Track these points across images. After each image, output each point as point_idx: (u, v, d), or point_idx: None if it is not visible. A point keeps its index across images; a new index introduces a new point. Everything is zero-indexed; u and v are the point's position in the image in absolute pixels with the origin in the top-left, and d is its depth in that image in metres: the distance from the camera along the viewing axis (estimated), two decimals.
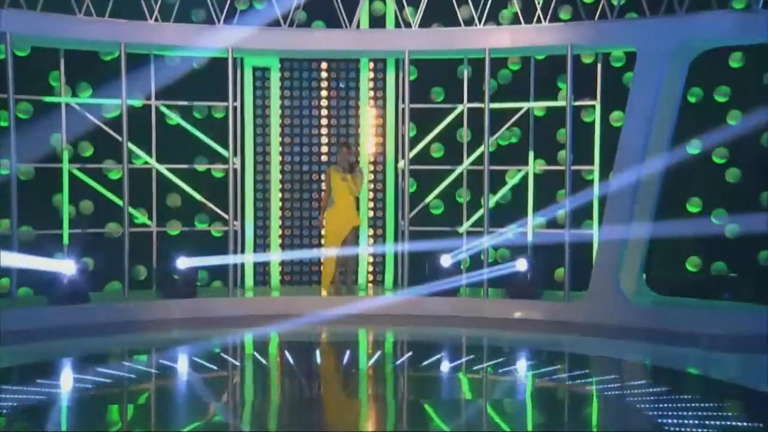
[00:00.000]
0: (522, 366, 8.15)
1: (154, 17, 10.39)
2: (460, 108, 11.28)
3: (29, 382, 7.07)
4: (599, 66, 10.67)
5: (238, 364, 8.28)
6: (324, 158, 11.74)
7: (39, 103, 10.54)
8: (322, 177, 11.39)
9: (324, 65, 11.71)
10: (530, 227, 11.02)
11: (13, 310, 9.57)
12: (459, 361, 8.30)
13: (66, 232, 10.63)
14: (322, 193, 11.10)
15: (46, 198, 10.69)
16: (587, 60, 10.91)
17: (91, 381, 7.20)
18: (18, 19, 9.65)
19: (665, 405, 6.36)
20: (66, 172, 10.65)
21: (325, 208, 10.57)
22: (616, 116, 10.76)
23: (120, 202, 10.53)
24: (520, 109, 11.03)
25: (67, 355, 8.33)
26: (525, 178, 11.19)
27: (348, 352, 8.69)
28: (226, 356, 8.45)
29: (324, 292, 10.80)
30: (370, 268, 11.80)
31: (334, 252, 10.49)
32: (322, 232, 10.93)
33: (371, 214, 11.78)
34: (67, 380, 7.50)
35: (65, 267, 9.90)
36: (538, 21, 10.48)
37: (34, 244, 10.25)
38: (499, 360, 8.29)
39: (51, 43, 10.27)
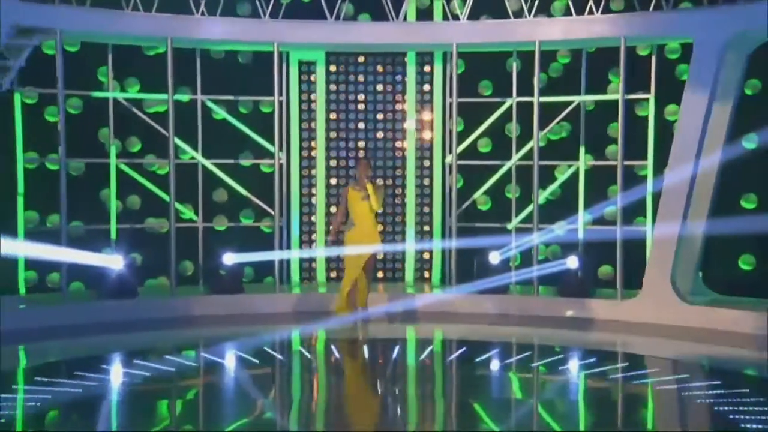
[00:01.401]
0: (575, 366, 8.10)
1: (200, 11, 10.53)
2: (509, 102, 11.27)
3: (77, 377, 7.19)
4: (654, 58, 10.57)
5: (286, 360, 8.36)
6: (371, 152, 11.79)
7: (88, 98, 10.75)
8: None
9: (370, 59, 11.73)
10: (581, 224, 10.96)
11: (63, 306, 9.79)
12: (514, 360, 8.27)
13: (114, 227, 10.83)
14: (336, 208, 10.50)
15: (94, 193, 10.89)
16: (641, 52, 10.81)
17: (143, 376, 7.34)
18: (68, 15, 9.85)
19: (733, 407, 6.28)
20: (114, 167, 10.84)
21: (338, 230, 9.80)
22: (670, 110, 10.65)
23: (166, 198, 10.69)
24: (570, 102, 10.99)
25: (117, 350, 8.48)
26: (575, 173, 11.14)
27: (396, 351, 8.72)
28: (275, 352, 8.55)
29: (338, 311, 9.76)
30: (418, 265, 11.84)
31: (353, 279, 9.59)
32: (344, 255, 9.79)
33: (418, 209, 11.81)
34: (115, 376, 7.62)
35: (114, 262, 10.09)
36: (590, 12, 10.41)
37: (83, 239, 10.44)
38: (552, 359, 8.25)
39: (100, 38, 10.46)
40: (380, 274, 11.77)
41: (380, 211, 9.80)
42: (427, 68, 11.76)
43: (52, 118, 10.41)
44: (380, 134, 11.84)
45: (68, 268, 9.96)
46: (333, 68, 11.74)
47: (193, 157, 11.19)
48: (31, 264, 10.35)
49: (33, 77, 10.21)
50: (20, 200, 10.35)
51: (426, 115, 11.81)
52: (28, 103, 10.47)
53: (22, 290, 10.37)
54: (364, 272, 9.57)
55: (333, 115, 11.80)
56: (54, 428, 6.07)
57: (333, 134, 11.81)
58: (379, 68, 11.81)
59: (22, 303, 9.93)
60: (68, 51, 10.31)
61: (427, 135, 11.84)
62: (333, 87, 11.78)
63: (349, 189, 9.63)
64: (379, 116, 11.86)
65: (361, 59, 11.78)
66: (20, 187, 10.36)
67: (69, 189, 9.99)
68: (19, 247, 10.06)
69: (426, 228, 11.86)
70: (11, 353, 8.24)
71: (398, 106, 11.84)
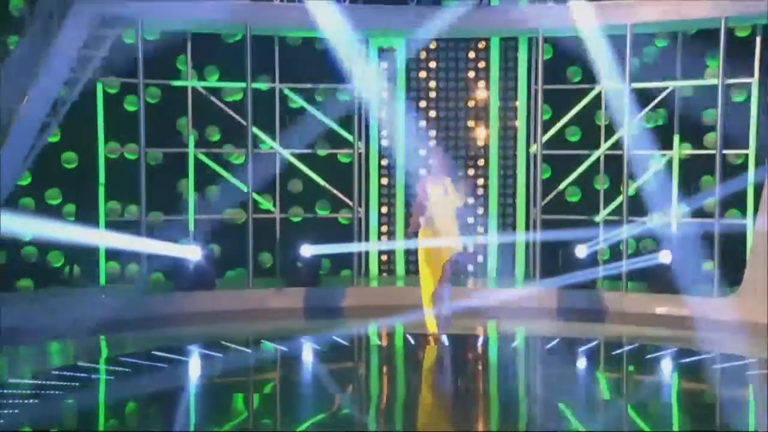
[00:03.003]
0: (668, 367, 7.85)
1: None
2: (598, 88, 10.98)
3: (155, 369, 7.31)
4: (758, 39, 10.14)
5: (364, 357, 8.33)
6: (451, 142, 11.67)
7: (167, 87, 10.91)
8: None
9: (452, 45, 11.59)
10: (675, 216, 10.63)
11: (142, 297, 9.96)
12: (600, 359, 8.07)
13: (192, 217, 10.98)
14: (414, 204, 8.63)
15: (172, 183, 11.05)
16: (742, 33, 10.39)
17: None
18: (148, 5, 9.99)
19: None
20: (192, 157, 10.98)
21: (417, 224, 8.45)
22: None
23: (244, 188, 10.76)
24: (665, 88, 10.64)
25: (196, 341, 8.53)
26: (669, 163, 10.79)
27: (476, 348, 8.60)
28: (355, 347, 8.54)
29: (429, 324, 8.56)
30: (501, 258, 11.64)
31: (431, 287, 8.36)
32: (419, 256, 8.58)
33: (501, 201, 11.65)
34: (193, 369, 7.71)
35: (192, 253, 10.21)
36: None
37: (161, 230, 10.59)
38: (644, 358, 8.02)
39: (178, 26, 10.59)
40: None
41: (461, 206, 8.53)
42: (511, 54, 11.55)
43: (132, 108, 10.61)
44: (462, 123, 11.69)
45: (147, 258, 10.13)
46: (413, 55, 11.63)
47: (271, 147, 11.25)
48: (113, 255, 10.53)
49: (114, 67, 10.39)
50: (101, 190, 10.60)
51: (510, 103, 11.62)
52: (109, 93, 10.69)
53: (103, 281, 10.60)
54: (440, 279, 8.32)
55: (414, 103, 11.70)
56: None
57: (414, 123, 11.70)
58: (461, 54, 11.65)
59: (102, 293, 10.15)
60: (148, 40, 10.45)
61: (511, 124, 11.63)
62: (413, 74, 11.68)
63: (426, 183, 8.44)
64: (461, 104, 11.71)
65: (442, 45, 11.64)
66: (101, 177, 10.60)
67: (147, 179, 10.15)
68: (101, 238, 10.28)
69: (509, 220, 11.67)
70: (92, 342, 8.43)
71: (481, 94, 11.66)
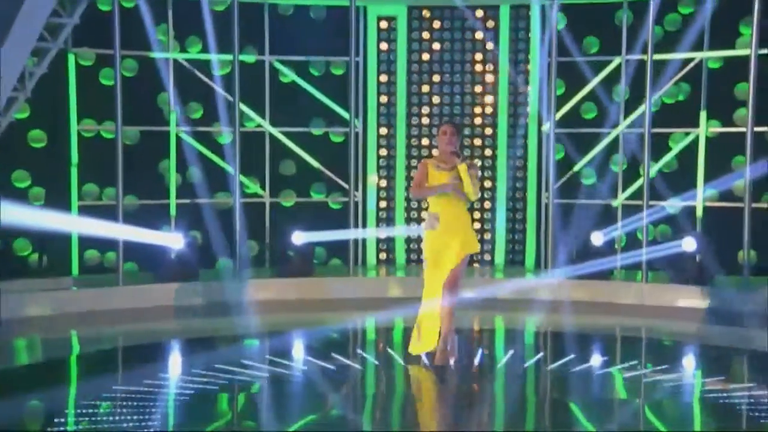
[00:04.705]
0: (691, 366, 7.34)
1: None
2: (617, 60, 10.61)
3: (132, 368, 6.95)
4: None
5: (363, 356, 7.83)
6: (457, 119, 11.19)
7: (146, 59, 10.37)
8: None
9: (458, 13, 11.11)
10: (700, 200, 10.29)
11: (118, 288, 9.50)
12: (616, 360, 7.55)
13: (173, 202, 10.50)
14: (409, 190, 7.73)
15: (151, 164, 10.57)
16: None
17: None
18: None
19: None
20: (173, 136, 10.49)
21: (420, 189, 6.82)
22: None
23: (230, 170, 10.31)
24: (691, 60, 10.25)
25: (176, 337, 8.12)
26: (695, 142, 10.41)
27: (484, 344, 8.07)
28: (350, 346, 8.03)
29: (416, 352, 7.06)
30: (509, 247, 11.25)
31: (435, 299, 6.78)
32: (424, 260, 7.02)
33: (510, 184, 11.21)
34: (173, 368, 7.23)
35: (173, 241, 9.77)
36: None
37: (139, 215, 10.12)
38: (661, 359, 7.50)
39: None
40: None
41: (474, 200, 6.94)
42: (522, 23, 11.07)
43: (107, 82, 10.13)
44: (468, 98, 11.28)
45: (124, 246, 9.65)
46: (416, 24, 11.18)
47: (259, 125, 10.84)
48: (91, 242, 10.08)
49: (88, 37, 9.99)
50: (74, 171, 10.15)
51: (522, 77, 11.13)
52: (82, 65, 10.22)
53: (75, 270, 10.11)
54: (448, 284, 6.73)
55: (416, 77, 11.28)
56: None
57: (415, 99, 11.31)
58: (468, 24, 11.13)
59: (74, 284, 9.70)
60: (125, 7, 9.95)
61: (522, 99, 11.16)
62: (416, 46, 11.21)
63: (428, 166, 6.78)
64: (468, 78, 11.26)
65: (447, 14, 11.16)
66: (74, 158, 10.14)
67: (124, 160, 9.69)
68: (72, 223, 9.81)
69: (519, 205, 11.24)
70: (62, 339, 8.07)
71: (489, 67, 11.15)
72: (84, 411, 5.69)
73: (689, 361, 7.52)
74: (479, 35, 11.10)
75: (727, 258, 9.95)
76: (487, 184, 11.23)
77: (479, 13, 11.03)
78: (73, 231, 9.94)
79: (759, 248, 9.73)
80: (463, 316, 8.25)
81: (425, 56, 11.23)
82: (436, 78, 11.24)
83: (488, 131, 11.28)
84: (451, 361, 6.80)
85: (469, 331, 8.41)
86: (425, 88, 11.28)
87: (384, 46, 11.20)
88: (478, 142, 11.28)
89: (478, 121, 11.27)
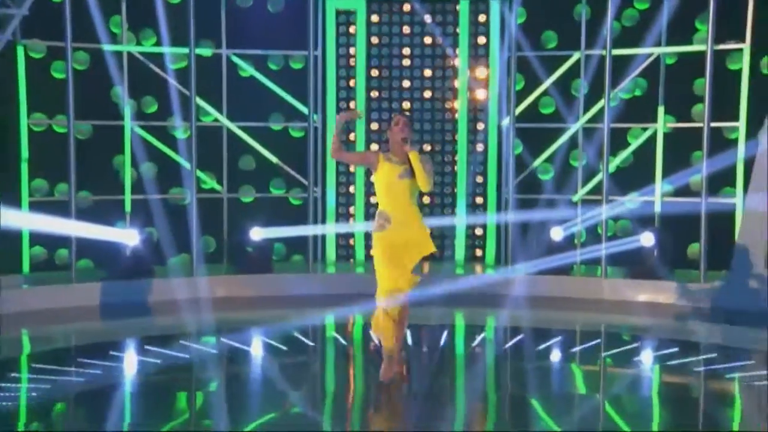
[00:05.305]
0: (649, 358, 7.44)
1: None
2: (576, 56, 10.66)
3: (85, 364, 6.87)
4: (750, 1, 9.80)
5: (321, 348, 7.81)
6: (416, 114, 11.19)
7: (98, 52, 10.22)
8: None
9: (417, 6, 11.11)
10: (658, 195, 10.38)
11: (72, 286, 9.38)
12: (575, 351, 7.63)
13: (128, 198, 10.36)
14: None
15: (105, 160, 10.42)
16: None
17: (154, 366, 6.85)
18: None
19: None
20: (128, 130, 10.35)
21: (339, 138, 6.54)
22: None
23: (187, 165, 10.21)
24: (648, 55, 10.32)
25: (129, 335, 8.03)
26: (652, 137, 10.50)
27: (442, 339, 8.09)
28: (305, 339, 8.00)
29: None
30: (469, 243, 11.27)
31: (390, 300, 6.38)
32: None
33: (469, 179, 11.26)
34: (128, 364, 7.15)
35: (128, 237, 9.65)
36: None
37: (92, 211, 9.98)
38: (622, 350, 7.60)
39: None
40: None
41: (428, 191, 6.75)
42: (482, 18, 11.09)
43: (59, 75, 9.96)
44: (428, 93, 11.27)
45: (77, 243, 9.55)
46: (375, 18, 11.18)
47: (216, 120, 10.76)
48: (39, 239, 9.94)
49: (39, 28, 9.82)
50: (24, 167, 9.99)
51: (480, 72, 11.16)
52: (33, 58, 10.06)
53: (26, 268, 9.94)
54: (401, 287, 6.36)
55: (374, 72, 11.26)
56: (59, 421, 5.77)
57: (374, 93, 11.29)
58: (428, 18, 11.14)
59: (25, 282, 9.52)
60: None
61: (481, 94, 11.18)
62: (375, 40, 11.23)
63: (379, 157, 6.47)
64: (427, 73, 11.27)
65: (406, 8, 11.19)
66: (24, 152, 9.98)
67: (77, 155, 9.59)
68: (23, 220, 9.64)
69: (479, 200, 11.26)
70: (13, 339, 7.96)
71: (448, 62, 11.18)
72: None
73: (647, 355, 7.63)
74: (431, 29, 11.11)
75: (683, 252, 10.12)
76: (447, 179, 11.26)
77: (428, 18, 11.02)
78: (23, 228, 9.75)
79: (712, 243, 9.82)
80: (422, 312, 8.28)
81: (384, 50, 11.23)
82: (395, 72, 11.25)
83: (448, 126, 11.32)
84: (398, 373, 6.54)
85: (427, 327, 8.42)
86: (384, 83, 11.26)
87: (342, 39, 11.20)
88: (438, 137, 11.32)
89: (438, 116, 11.29)
